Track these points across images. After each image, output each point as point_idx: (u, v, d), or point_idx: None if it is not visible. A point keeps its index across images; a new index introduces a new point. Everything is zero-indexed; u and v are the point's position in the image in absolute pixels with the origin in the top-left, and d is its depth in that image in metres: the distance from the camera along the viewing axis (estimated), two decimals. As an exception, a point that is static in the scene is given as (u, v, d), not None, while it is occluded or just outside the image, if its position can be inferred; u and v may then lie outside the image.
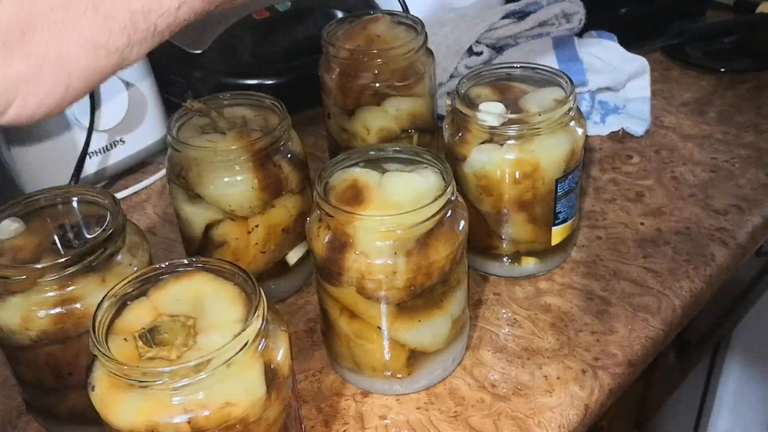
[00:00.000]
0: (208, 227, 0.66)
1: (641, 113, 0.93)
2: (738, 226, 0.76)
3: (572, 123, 0.66)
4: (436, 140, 0.81)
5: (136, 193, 0.88)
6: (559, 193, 0.67)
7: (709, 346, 1.12)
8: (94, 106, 0.80)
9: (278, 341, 0.48)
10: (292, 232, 0.68)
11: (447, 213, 0.56)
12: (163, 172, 0.90)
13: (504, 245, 0.70)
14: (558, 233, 0.70)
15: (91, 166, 0.85)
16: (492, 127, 0.64)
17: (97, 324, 0.46)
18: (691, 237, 0.75)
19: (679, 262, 0.72)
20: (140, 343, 0.46)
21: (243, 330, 0.45)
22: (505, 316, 0.68)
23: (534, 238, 0.69)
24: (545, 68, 0.70)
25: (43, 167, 0.81)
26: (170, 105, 0.93)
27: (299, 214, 0.68)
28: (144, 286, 0.50)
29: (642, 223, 0.78)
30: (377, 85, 0.74)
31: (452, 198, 0.56)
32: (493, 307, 0.69)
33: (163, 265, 0.50)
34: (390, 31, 0.77)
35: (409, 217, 0.53)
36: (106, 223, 0.56)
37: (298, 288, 0.72)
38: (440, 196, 0.54)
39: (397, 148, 0.61)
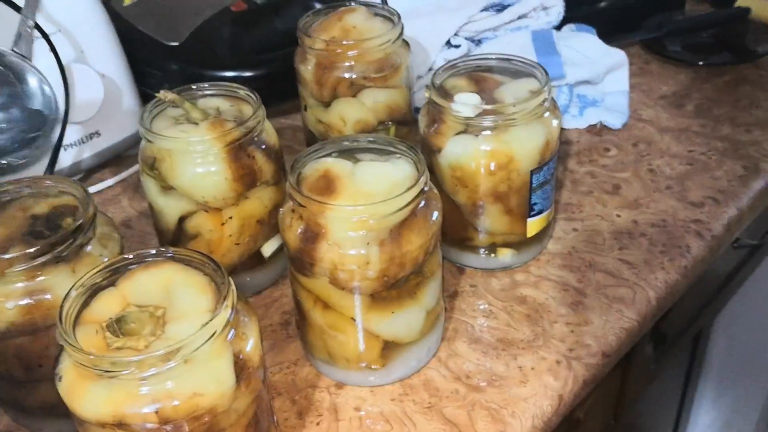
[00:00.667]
0: (182, 219, 0.66)
1: (619, 106, 0.93)
2: (714, 218, 0.76)
3: (547, 114, 0.66)
4: (412, 132, 0.81)
5: (111, 186, 0.87)
6: (534, 185, 0.67)
7: (687, 339, 1.12)
8: (68, 97, 0.79)
9: (248, 331, 0.48)
10: (267, 224, 0.68)
11: (420, 203, 0.56)
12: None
13: (480, 237, 0.70)
14: (534, 225, 0.70)
15: (66, 159, 0.84)
16: (467, 118, 0.64)
17: (64, 314, 0.46)
18: (667, 229, 0.76)
19: (654, 254, 0.73)
20: (107, 333, 0.46)
21: (211, 319, 0.45)
22: (480, 307, 0.68)
23: (510, 230, 0.69)
24: (521, 59, 0.70)
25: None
26: (146, 97, 0.92)
27: (274, 206, 0.68)
28: (113, 276, 0.49)
29: (618, 215, 0.78)
30: (353, 76, 0.74)
31: (425, 188, 0.56)
32: (469, 299, 0.69)
33: (131, 255, 0.49)
34: (366, 22, 0.76)
35: (382, 207, 0.53)
36: (78, 214, 0.56)
37: (274, 280, 0.72)
38: (413, 186, 0.54)
39: (371, 139, 0.60)
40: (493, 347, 0.64)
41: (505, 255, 0.71)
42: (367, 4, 0.78)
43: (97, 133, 0.86)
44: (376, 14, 0.78)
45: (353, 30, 0.75)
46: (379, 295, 0.57)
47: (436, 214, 0.57)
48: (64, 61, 0.78)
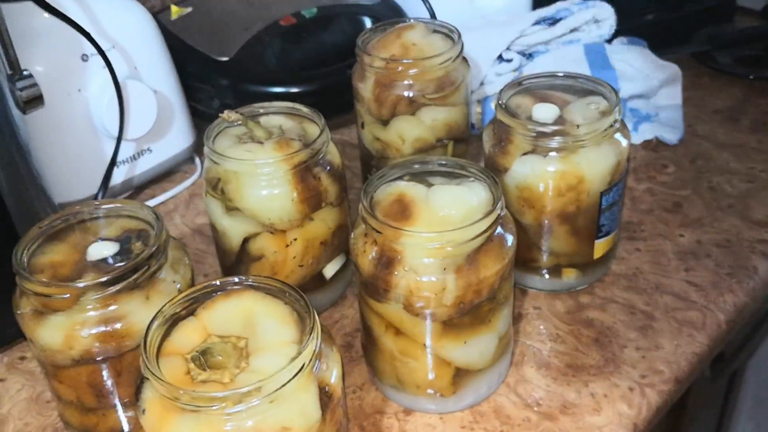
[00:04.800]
0: (245, 240, 0.65)
1: (674, 121, 0.92)
2: (780, 237, 0.75)
3: (617, 134, 0.65)
4: (469, 150, 0.80)
5: (163, 203, 0.86)
6: (603, 206, 0.65)
7: (743, 357, 1.10)
8: (123, 114, 0.78)
9: (331, 362, 0.47)
10: (330, 246, 0.67)
11: (497, 228, 0.54)
12: (191, 180, 0.89)
13: (544, 258, 0.69)
14: (600, 246, 0.68)
15: (118, 176, 0.83)
16: (540, 133, 0.62)
17: (148, 345, 0.45)
18: (731, 249, 0.74)
19: (721, 276, 0.71)
20: (192, 365, 0.45)
21: (300, 353, 0.44)
22: (546, 331, 0.67)
23: (576, 251, 0.68)
24: (586, 77, 0.68)
25: (71, 178, 0.80)
26: (196, 113, 0.92)
27: (337, 227, 0.67)
28: (192, 305, 0.49)
29: (681, 235, 0.76)
30: (413, 94, 0.73)
31: (501, 213, 0.55)
32: (534, 322, 0.68)
33: (214, 283, 0.48)
34: (425, 39, 0.75)
35: (460, 234, 0.52)
36: (149, 238, 0.55)
37: (334, 301, 0.71)
38: (491, 211, 0.53)
39: (442, 161, 0.59)
40: (563, 373, 0.63)
41: (570, 277, 0.70)
42: (424, 21, 0.77)
43: (149, 150, 0.86)
44: (435, 30, 0.77)
45: (413, 47, 0.74)
46: (453, 322, 0.55)
47: (511, 238, 0.56)
48: (118, 78, 0.77)
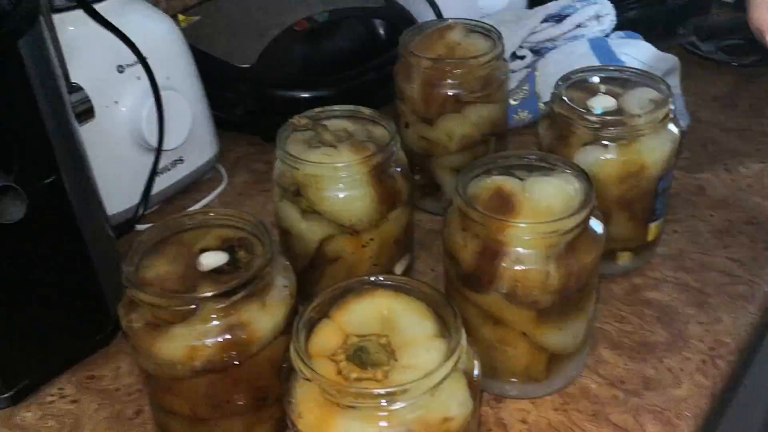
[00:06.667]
0: (321, 242, 0.65)
1: (679, 109, 0.96)
2: (801, 212, 0.80)
3: (670, 123, 0.68)
4: (508, 144, 0.82)
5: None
6: (659, 191, 0.69)
7: None
8: (162, 124, 0.77)
9: (471, 355, 0.48)
10: (401, 244, 0.68)
11: (592, 217, 0.57)
12: (221, 188, 0.89)
13: (600, 244, 0.72)
14: (653, 229, 0.72)
15: (154, 187, 0.82)
16: (603, 124, 0.65)
17: (300, 350, 0.45)
18: (761, 225, 0.79)
19: (758, 250, 0.76)
20: (349, 364, 0.45)
21: (454, 346, 0.45)
22: (610, 313, 0.70)
23: (631, 235, 0.71)
24: (633, 70, 0.72)
25: (110, 190, 0.78)
26: (219, 121, 0.91)
27: (407, 225, 0.68)
28: (325, 308, 0.49)
29: (711, 215, 0.81)
30: (460, 93, 0.74)
31: (595, 202, 0.57)
32: (597, 306, 0.71)
33: (354, 283, 0.49)
34: (466, 38, 0.77)
35: (563, 223, 0.54)
36: (252, 246, 0.55)
37: (400, 299, 0.72)
38: (588, 200, 0.56)
39: (520, 155, 0.61)
40: (636, 351, 0.66)
41: (625, 260, 0.73)
42: (462, 21, 0.79)
43: (181, 160, 0.85)
44: (472, 30, 0.79)
45: (458, 47, 0.76)
46: (552, 309, 0.58)
47: (601, 226, 0.58)
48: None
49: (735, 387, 0.99)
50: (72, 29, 0.73)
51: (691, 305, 0.70)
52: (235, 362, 0.52)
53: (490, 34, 0.78)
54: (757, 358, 0.92)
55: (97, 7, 0.72)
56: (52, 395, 0.65)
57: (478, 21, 0.79)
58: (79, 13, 0.71)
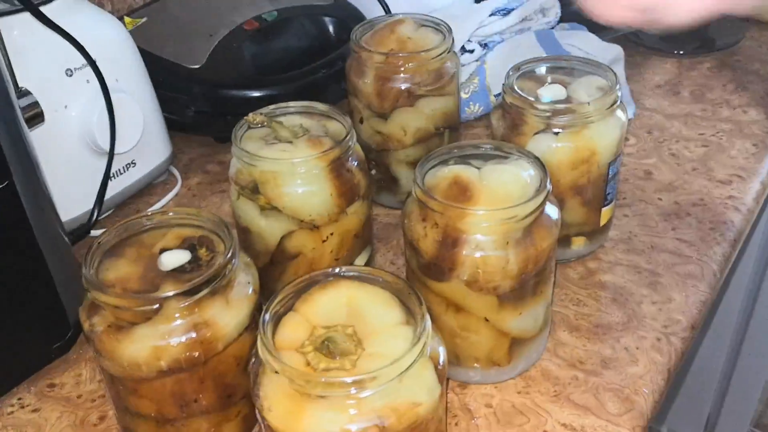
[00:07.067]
0: (281, 239, 0.65)
1: (625, 98, 0.99)
2: (744, 192, 0.83)
3: (618, 110, 0.70)
4: (462, 136, 0.83)
5: (154, 215, 0.85)
6: (609, 176, 0.71)
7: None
8: (114, 128, 0.77)
9: (437, 341, 0.49)
10: (361, 238, 0.69)
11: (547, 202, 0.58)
12: (174, 191, 0.88)
13: (555, 230, 0.73)
14: (606, 213, 0.74)
15: (107, 192, 0.81)
16: (554, 112, 0.67)
17: (267, 343, 0.46)
18: (707, 207, 0.82)
19: (705, 231, 0.78)
20: (317, 355, 0.46)
21: (421, 331, 0.46)
22: (567, 297, 0.72)
23: (584, 220, 0.73)
24: (579, 60, 0.74)
25: (61, 196, 0.77)
26: (170, 123, 0.90)
27: (366, 219, 0.69)
28: (290, 301, 0.49)
29: (660, 199, 0.83)
30: (412, 87, 0.75)
31: (551, 188, 0.58)
32: (554, 290, 0.72)
33: (319, 275, 0.49)
34: (417, 33, 0.78)
35: (522, 209, 0.56)
36: (213, 243, 0.55)
37: (362, 292, 0.73)
38: (544, 186, 0.57)
39: (476, 144, 0.63)
40: (593, 332, 0.68)
41: (579, 245, 0.75)
42: (412, 15, 0.80)
43: (133, 163, 0.84)
44: (422, 24, 0.80)
45: (409, 41, 0.77)
46: (512, 294, 0.59)
47: (557, 211, 0.60)
48: (105, 91, 0.76)
49: (688, 362, 1.03)
50: (17, 33, 0.72)
51: (644, 286, 0.72)
52: (201, 360, 0.52)
53: (440, 27, 0.79)
54: (708, 333, 0.95)
55: (44, 9, 0.70)
56: (11, 405, 0.64)
57: (427, 15, 0.80)
58: (25, 17, 0.70)
